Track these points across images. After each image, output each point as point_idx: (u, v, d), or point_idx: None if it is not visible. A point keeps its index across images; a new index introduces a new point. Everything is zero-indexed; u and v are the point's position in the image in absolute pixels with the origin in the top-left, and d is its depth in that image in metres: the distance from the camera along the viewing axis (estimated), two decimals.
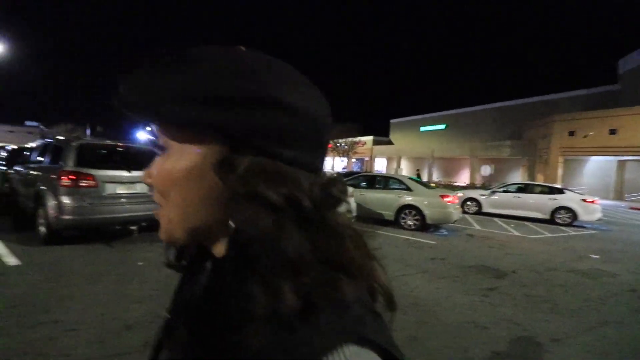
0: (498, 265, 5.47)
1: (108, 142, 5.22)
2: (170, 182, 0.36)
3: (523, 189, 12.16)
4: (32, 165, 5.66)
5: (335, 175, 0.39)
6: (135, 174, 5.04)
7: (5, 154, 10.33)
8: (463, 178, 32.77)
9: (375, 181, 9.14)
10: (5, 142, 24.22)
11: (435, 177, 33.16)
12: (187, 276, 0.46)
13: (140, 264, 4.35)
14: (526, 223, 10.76)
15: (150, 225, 5.49)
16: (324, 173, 0.38)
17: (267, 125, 0.33)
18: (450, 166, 35.27)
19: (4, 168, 9.06)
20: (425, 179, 25.47)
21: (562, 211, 10.87)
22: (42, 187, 4.95)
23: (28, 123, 59.44)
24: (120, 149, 5.21)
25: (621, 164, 23.25)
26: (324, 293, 0.31)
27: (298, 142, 0.35)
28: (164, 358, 0.41)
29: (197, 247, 0.45)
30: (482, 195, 12.26)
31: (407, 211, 8.13)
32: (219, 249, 0.39)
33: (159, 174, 0.37)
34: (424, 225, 8.00)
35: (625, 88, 25.48)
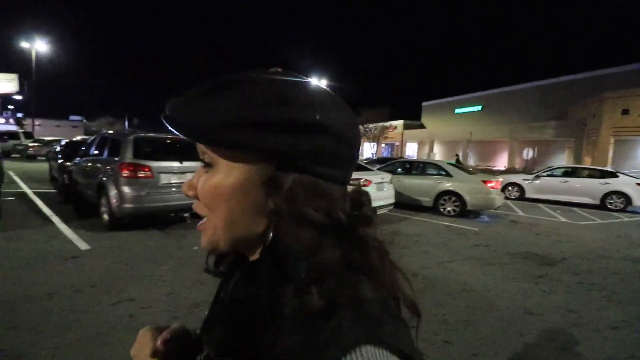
0: (547, 253, 5.29)
1: (160, 135, 5.54)
2: (218, 197, 0.39)
3: (570, 172, 11.49)
4: (92, 158, 6.13)
5: (361, 189, 0.44)
6: (187, 164, 5.34)
7: (60, 148, 11.19)
8: (501, 162, 31.38)
9: (413, 167, 9.02)
10: (54, 136, 26.12)
11: (472, 162, 31.94)
12: (225, 281, 0.50)
13: (195, 248, 4.66)
14: (574, 209, 10.22)
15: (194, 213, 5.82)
16: (353, 186, 0.43)
17: (308, 146, 0.36)
18: (487, 150, 33.83)
19: (61, 160, 9.86)
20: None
21: (614, 196, 10.20)
22: (103, 178, 5.36)
23: (72, 117, 63.61)
24: (172, 141, 5.51)
25: None
26: (347, 296, 0.34)
27: (334, 161, 0.38)
28: (204, 355, 0.44)
29: (235, 255, 0.48)
30: (525, 179, 11.74)
31: (446, 197, 8.00)
32: (255, 256, 0.43)
33: (207, 189, 0.40)
34: (463, 212, 7.85)
35: None
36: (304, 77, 0.40)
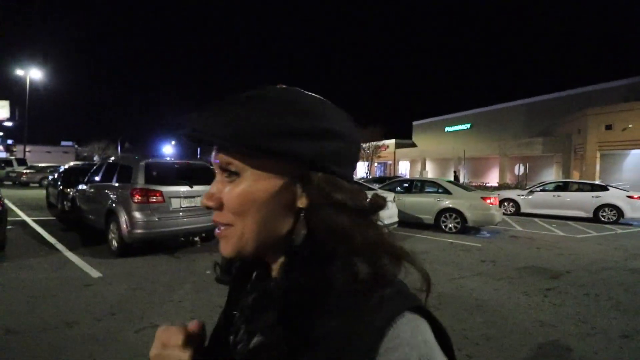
0: (551, 266, 5.43)
1: (170, 160, 5.63)
2: (249, 202, 0.42)
3: (562, 187, 11.83)
4: (98, 184, 6.16)
5: (379, 194, 0.48)
6: (197, 188, 5.42)
7: (59, 174, 11.10)
8: (492, 178, 31.96)
9: (413, 185, 9.22)
10: (45, 162, 25.83)
11: (464, 179, 32.49)
12: (237, 285, 0.54)
13: (209, 272, 4.67)
14: (569, 222, 10.47)
15: (207, 236, 5.86)
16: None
17: (328, 150, 0.42)
18: (478, 166, 34.51)
19: (61, 187, 9.80)
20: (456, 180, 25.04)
21: (606, 209, 10.51)
22: (112, 205, 5.39)
23: (63, 143, 63.10)
24: (182, 166, 5.61)
25: None
26: (384, 271, 0.39)
27: (345, 161, 0.44)
28: (254, 341, 0.44)
29: (242, 262, 0.53)
30: (519, 195, 12.03)
31: (447, 214, 8.16)
32: (274, 258, 0.46)
33: (236, 196, 0.42)
34: (464, 228, 8.00)
35: None
36: (311, 93, 0.46)
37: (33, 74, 27.03)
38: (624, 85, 26.30)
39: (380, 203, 0.44)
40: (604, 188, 10.96)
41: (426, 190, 8.85)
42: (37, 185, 19.95)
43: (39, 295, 3.76)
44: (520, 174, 20.67)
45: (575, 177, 23.02)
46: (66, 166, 11.14)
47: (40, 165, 21.39)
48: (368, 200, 0.44)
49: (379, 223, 0.44)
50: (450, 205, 8.11)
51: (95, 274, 4.54)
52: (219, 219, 0.44)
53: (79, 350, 2.69)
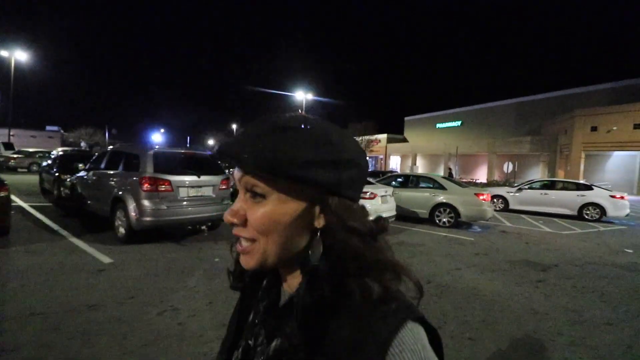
0: (540, 260, 5.77)
1: (178, 150, 5.71)
2: (274, 223, 0.46)
3: (549, 185, 12.29)
4: (103, 172, 6.20)
5: (381, 218, 0.52)
6: (204, 178, 5.53)
7: (53, 160, 10.97)
8: (480, 175, 32.66)
9: (408, 181, 9.49)
10: (30, 147, 25.17)
11: (454, 175, 33.11)
12: (249, 291, 0.58)
13: (217, 260, 4.83)
14: (554, 219, 10.93)
15: (213, 225, 6.00)
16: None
17: (346, 177, 0.47)
18: (467, 163, 35.18)
19: (57, 173, 9.72)
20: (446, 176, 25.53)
21: (590, 207, 11.00)
22: (119, 192, 5.46)
23: (49, 128, 61.34)
24: (189, 156, 5.70)
25: None
26: (390, 286, 0.45)
27: (358, 186, 0.50)
28: (273, 346, 0.48)
29: (254, 273, 0.57)
30: (508, 192, 12.45)
31: (441, 209, 8.46)
32: (289, 270, 0.52)
33: (261, 217, 0.46)
34: (457, 223, 8.32)
35: None
36: (331, 123, 0.51)
37: (18, 55, 26.17)
38: (611, 88, 27.10)
39: (384, 225, 0.50)
40: (588, 187, 11.44)
41: (422, 185, 9.13)
42: (25, 170, 19.56)
43: (54, 280, 3.86)
44: (509, 171, 21.25)
45: (560, 176, 23.80)
46: (60, 152, 11.03)
47: (29, 150, 20.91)
48: (373, 221, 0.50)
49: (382, 242, 0.49)
50: (445, 201, 8.41)
51: (105, 259, 4.64)
52: (242, 234, 0.49)
53: (109, 330, 2.83)
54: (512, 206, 12.22)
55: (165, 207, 5.17)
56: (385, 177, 10.16)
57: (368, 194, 6.58)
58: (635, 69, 26.86)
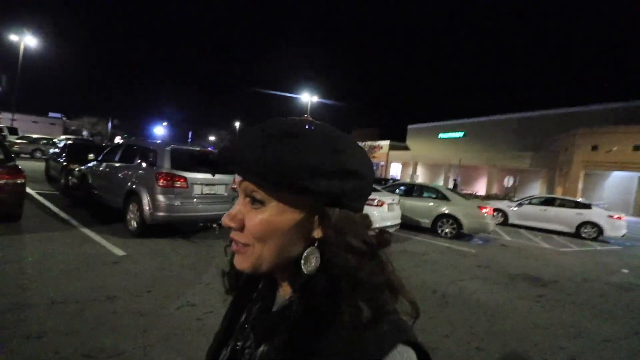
0: (540, 275, 5.91)
1: (194, 147, 5.83)
2: (271, 230, 0.45)
3: (549, 202, 12.47)
4: (117, 164, 6.30)
5: (385, 231, 0.51)
6: (218, 177, 5.65)
7: (60, 149, 11.02)
8: (479, 187, 32.90)
9: (413, 190, 9.63)
10: (31, 133, 25.10)
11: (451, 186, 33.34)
12: (243, 293, 0.58)
13: (228, 257, 4.93)
14: (552, 236, 11.10)
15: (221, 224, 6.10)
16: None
17: (350, 188, 0.45)
18: (466, 175, 35.41)
19: (64, 162, 9.80)
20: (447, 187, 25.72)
21: (588, 226, 11.18)
22: (133, 186, 5.57)
23: (51, 114, 61.21)
24: (204, 154, 5.82)
25: None
26: (383, 308, 0.44)
27: (362, 196, 0.47)
28: (261, 351, 0.48)
29: (249, 275, 0.55)
30: (509, 206, 12.62)
31: (444, 220, 8.60)
32: (283, 275, 0.50)
33: (259, 223, 0.45)
34: (459, 234, 8.46)
35: None
36: (336, 129, 0.48)
37: (27, 40, 26.21)
38: (613, 109, 27.43)
39: (386, 240, 0.49)
40: (587, 206, 11.63)
41: (426, 195, 9.27)
42: (28, 156, 19.58)
43: (70, 269, 3.95)
44: (510, 185, 21.46)
45: (559, 193, 24.01)
46: (69, 141, 11.09)
47: (33, 136, 20.93)
48: (375, 234, 0.49)
49: (382, 258, 0.48)
50: (448, 212, 8.56)
51: (118, 252, 4.73)
52: (238, 238, 0.48)
53: (130, 321, 2.93)
54: (511, 220, 12.39)
55: (179, 203, 5.27)
56: (389, 185, 10.30)
57: (375, 201, 6.71)
58: (637, 90, 27.26)
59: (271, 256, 0.47)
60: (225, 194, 5.84)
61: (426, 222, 8.81)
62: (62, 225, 5.81)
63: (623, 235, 11.07)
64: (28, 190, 8.91)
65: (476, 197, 19.85)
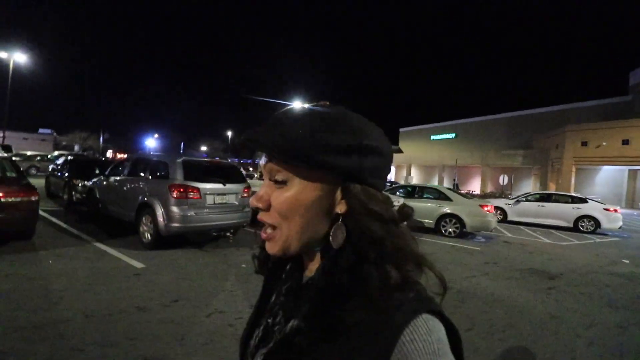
0: (546, 269, 6.09)
1: (205, 158, 5.93)
2: (297, 207, 0.47)
3: (546, 198, 12.76)
4: (127, 178, 6.35)
5: (407, 205, 0.52)
6: (229, 186, 5.74)
7: (62, 165, 11.00)
8: (473, 186, 33.34)
9: (415, 191, 9.80)
10: (22, 150, 24.80)
11: (448, 186, 33.72)
12: (273, 275, 0.60)
13: (244, 266, 5.01)
14: (551, 231, 11.35)
15: (234, 232, 6.19)
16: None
17: (369, 164, 0.47)
18: (460, 174, 35.88)
19: (67, 178, 9.79)
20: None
21: (585, 219, 11.48)
22: (145, 199, 5.63)
23: (41, 130, 60.49)
24: (214, 164, 5.91)
25: (633, 174, 23.84)
26: (409, 276, 0.45)
27: (382, 174, 0.49)
28: (289, 326, 0.49)
29: (278, 258, 0.57)
30: (507, 204, 12.88)
31: (447, 219, 8.78)
32: (311, 255, 0.52)
33: (284, 201, 0.47)
34: (462, 233, 8.64)
35: (636, 99, 26.16)
36: (355, 112, 0.50)
37: (17, 57, 26.00)
38: (600, 105, 28.18)
39: (408, 212, 0.51)
40: (583, 200, 11.94)
41: (428, 196, 9.45)
42: None
43: (94, 283, 4.00)
44: (505, 184, 21.84)
45: (552, 189, 24.50)
46: (69, 157, 11.08)
47: (27, 153, 20.73)
48: (397, 209, 0.50)
49: (405, 231, 0.49)
50: (451, 211, 8.74)
51: (137, 264, 4.78)
52: (265, 219, 0.50)
53: (166, 330, 3.00)
54: (510, 217, 12.64)
55: (193, 214, 5.35)
56: (392, 187, 10.46)
57: None
58: (623, 87, 28.00)
59: (298, 234, 0.48)
60: (237, 203, 5.93)
61: (430, 222, 8.97)
62: (75, 241, 5.83)
63: (619, 227, 11.37)
64: None
65: (472, 196, 20.16)
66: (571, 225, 11.62)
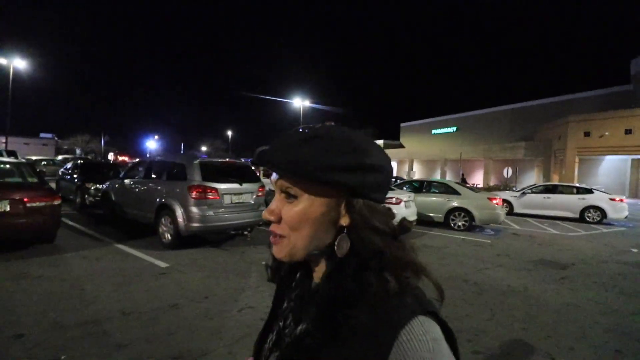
0: (556, 259, 6.21)
1: (221, 159, 6.05)
2: (305, 220, 0.52)
3: (551, 189, 12.85)
4: (144, 180, 6.48)
5: (406, 220, 0.56)
6: (245, 186, 5.87)
7: (72, 169, 11.15)
8: (476, 180, 33.40)
9: (423, 186, 9.92)
10: (24, 155, 24.99)
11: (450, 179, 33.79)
12: (284, 282, 0.65)
13: (264, 263, 5.11)
14: (558, 222, 11.46)
15: (250, 230, 6.32)
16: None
17: (371, 181, 0.52)
18: (463, 168, 35.94)
19: (79, 181, 9.94)
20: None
21: (591, 210, 11.57)
22: (163, 200, 5.76)
23: (42, 135, 60.70)
24: (229, 165, 6.03)
25: (636, 163, 23.87)
26: (407, 283, 0.50)
27: (382, 189, 0.54)
28: (300, 329, 0.55)
29: (290, 265, 0.62)
30: (513, 196, 12.98)
31: (456, 213, 8.89)
32: (317, 263, 0.57)
33: (294, 215, 0.52)
34: (471, 226, 8.76)
35: (638, 88, 26.14)
36: (357, 131, 0.55)
37: (17, 63, 26.07)
38: (602, 95, 28.15)
39: (407, 226, 0.55)
40: (589, 191, 12.03)
41: (436, 190, 9.56)
42: None
43: (124, 282, 4.13)
44: (509, 176, 21.92)
45: (555, 180, 24.56)
46: (80, 161, 11.23)
47: (32, 157, 20.87)
48: (397, 223, 0.55)
49: (404, 242, 0.54)
50: (460, 205, 8.85)
51: (161, 264, 4.91)
52: (276, 230, 0.55)
53: (202, 325, 3.13)
54: (516, 210, 12.75)
55: (212, 214, 5.48)
56: (400, 182, 10.58)
57: (394, 199, 6.98)
58: (625, 75, 27.94)
59: (304, 244, 0.53)
60: (252, 202, 6.06)
61: (439, 216, 9.09)
62: (96, 243, 5.97)
63: (625, 217, 11.47)
64: None
65: (478, 189, 20.26)
66: (577, 216, 11.72)
